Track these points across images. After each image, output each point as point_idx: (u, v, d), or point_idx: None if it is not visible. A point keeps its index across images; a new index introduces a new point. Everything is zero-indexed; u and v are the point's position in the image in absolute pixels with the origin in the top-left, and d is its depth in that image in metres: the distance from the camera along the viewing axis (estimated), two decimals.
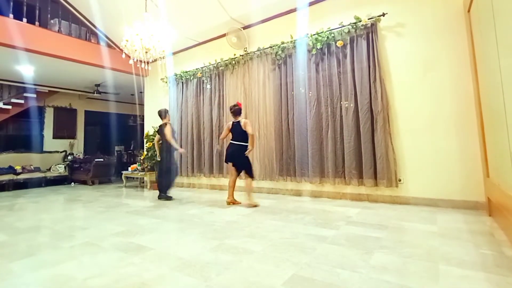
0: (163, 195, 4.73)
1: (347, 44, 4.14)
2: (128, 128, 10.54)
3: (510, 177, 2.05)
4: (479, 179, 3.17)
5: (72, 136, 9.04)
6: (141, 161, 6.48)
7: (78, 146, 9.13)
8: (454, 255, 1.97)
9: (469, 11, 3.14)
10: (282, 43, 4.76)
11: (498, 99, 2.20)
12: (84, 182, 7.44)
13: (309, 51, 4.50)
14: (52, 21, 6.18)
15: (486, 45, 2.52)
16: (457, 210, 3.26)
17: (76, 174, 7.63)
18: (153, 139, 6.16)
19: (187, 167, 6.13)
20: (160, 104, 6.96)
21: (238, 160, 3.92)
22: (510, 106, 1.95)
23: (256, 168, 5.01)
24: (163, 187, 4.78)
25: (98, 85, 8.17)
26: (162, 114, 4.83)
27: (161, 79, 6.81)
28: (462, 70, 3.38)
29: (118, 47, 6.56)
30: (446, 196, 3.44)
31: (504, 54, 2.01)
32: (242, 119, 3.99)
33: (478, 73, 3.02)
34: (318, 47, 4.34)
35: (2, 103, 7.27)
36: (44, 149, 8.17)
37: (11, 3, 5.40)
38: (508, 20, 1.86)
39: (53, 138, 8.59)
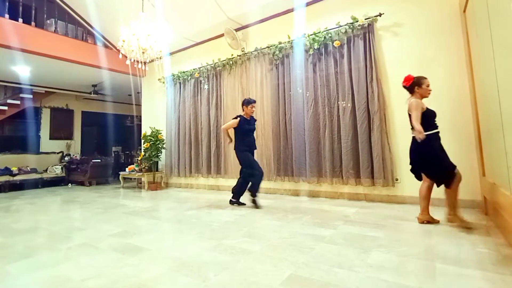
0: (234, 200, 4.06)
1: (344, 44, 4.15)
2: (126, 128, 10.50)
3: (505, 176, 2.06)
4: (475, 178, 3.19)
5: (69, 137, 8.99)
6: (139, 161, 6.46)
7: (75, 147, 9.07)
8: (450, 254, 1.98)
9: (464, 11, 3.16)
10: (280, 43, 4.76)
11: (493, 98, 2.21)
12: (81, 183, 7.40)
13: (307, 51, 4.51)
14: (48, 21, 6.15)
15: (481, 45, 2.54)
16: None
17: (73, 175, 7.59)
18: (151, 139, 6.15)
19: (185, 168, 6.12)
20: (157, 104, 6.97)
21: (414, 157, 2.79)
22: (506, 105, 1.96)
23: None
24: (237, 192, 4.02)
25: (95, 86, 8.14)
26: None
27: (159, 79, 6.80)
28: (458, 69, 3.40)
29: (115, 48, 6.55)
30: (442, 195, 3.44)
31: (499, 54, 2.03)
32: (411, 99, 2.75)
33: (474, 73, 3.04)
34: (315, 47, 4.35)
35: None
36: (40, 150, 8.11)
37: (7, 3, 5.36)
38: (503, 20, 1.88)
39: (50, 139, 8.53)
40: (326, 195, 4.28)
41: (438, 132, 2.71)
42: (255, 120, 4.13)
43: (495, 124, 2.26)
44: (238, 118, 3.92)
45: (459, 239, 2.28)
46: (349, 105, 4.06)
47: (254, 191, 3.82)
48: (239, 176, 4.07)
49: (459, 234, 2.40)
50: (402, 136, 3.76)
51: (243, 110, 4.03)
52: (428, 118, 2.65)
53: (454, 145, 3.41)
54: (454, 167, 2.63)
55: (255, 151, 4.05)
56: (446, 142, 3.44)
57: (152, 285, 1.69)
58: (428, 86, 2.75)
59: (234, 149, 3.99)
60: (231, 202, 4.07)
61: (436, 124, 2.73)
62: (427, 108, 2.71)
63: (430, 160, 2.66)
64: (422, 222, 2.76)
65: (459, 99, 3.38)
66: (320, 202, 3.98)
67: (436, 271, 1.73)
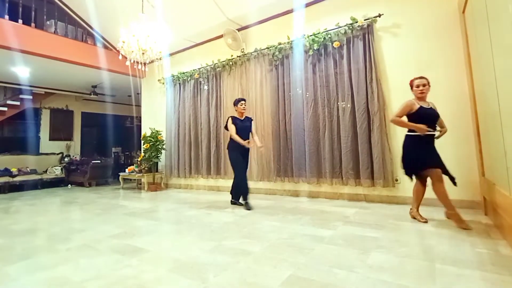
0: (233, 200, 4.14)
1: (343, 45, 4.16)
2: (125, 129, 10.50)
3: (505, 176, 2.07)
4: (475, 178, 3.19)
5: (69, 138, 8.99)
6: (138, 162, 6.46)
7: (74, 148, 9.07)
8: (450, 254, 1.98)
9: (464, 12, 3.16)
10: (279, 44, 4.77)
11: (493, 98, 2.22)
12: (81, 184, 7.40)
13: (306, 52, 4.51)
14: (48, 22, 6.15)
15: (480, 45, 2.54)
16: None
17: (72, 176, 7.58)
18: (151, 140, 6.15)
19: (185, 168, 6.12)
20: (157, 105, 6.97)
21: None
22: (505, 105, 1.97)
23: (253, 168, 5.01)
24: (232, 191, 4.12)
25: (94, 87, 8.14)
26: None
27: (158, 80, 6.80)
28: (457, 70, 3.40)
29: (115, 48, 6.55)
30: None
31: (498, 54, 2.03)
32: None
33: (473, 73, 3.04)
34: (315, 48, 4.36)
35: None
36: (40, 151, 8.11)
37: (7, 4, 5.37)
38: (502, 20, 1.88)
39: (50, 140, 8.53)
40: (326, 195, 4.28)
41: (418, 135, 2.74)
42: (251, 120, 4.11)
43: (494, 124, 2.26)
44: (230, 118, 3.97)
45: (458, 239, 2.28)
46: (348, 105, 4.06)
47: (234, 196, 4.03)
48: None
49: (459, 234, 2.40)
50: (402, 136, 3.71)
51: (236, 111, 4.11)
52: (420, 119, 2.74)
53: (454, 145, 3.42)
54: (423, 165, 2.74)
55: (250, 151, 4.10)
56: (446, 143, 3.46)
57: (151, 286, 1.69)
58: (417, 86, 2.80)
59: (227, 148, 4.07)
60: (231, 203, 4.13)
61: (431, 127, 2.76)
62: (419, 108, 2.77)
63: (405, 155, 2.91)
64: (413, 218, 2.94)
65: (458, 99, 3.39)
66: (320, 203, 3.98)
67: (435, 272, 1.73)
